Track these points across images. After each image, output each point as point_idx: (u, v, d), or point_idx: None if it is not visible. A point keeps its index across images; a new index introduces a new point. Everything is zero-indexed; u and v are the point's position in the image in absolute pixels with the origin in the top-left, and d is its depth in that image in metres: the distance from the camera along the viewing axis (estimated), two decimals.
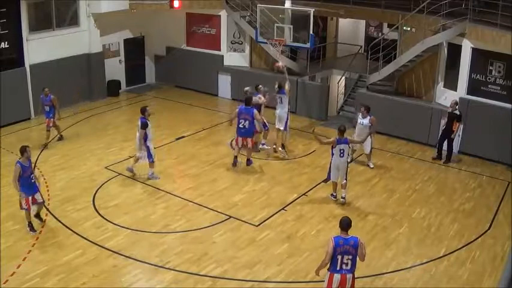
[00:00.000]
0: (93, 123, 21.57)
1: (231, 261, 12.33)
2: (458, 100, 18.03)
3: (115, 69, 25.29)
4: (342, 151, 14.55)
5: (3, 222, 13.69)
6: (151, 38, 26.56)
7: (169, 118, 22.01)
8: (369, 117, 17.16)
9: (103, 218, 14.14)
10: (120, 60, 25.68)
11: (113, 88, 25.06)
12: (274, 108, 18.65)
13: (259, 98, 18.27)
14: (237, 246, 12.99)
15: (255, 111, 16.80)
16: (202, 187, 15.93)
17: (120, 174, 16.77)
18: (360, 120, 17.36)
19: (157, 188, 15.85)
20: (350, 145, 15.25)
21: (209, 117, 22.48)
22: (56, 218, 14.07)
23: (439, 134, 18.45)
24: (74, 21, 22.97)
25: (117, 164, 17.45)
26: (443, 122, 18.38)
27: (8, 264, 11.91)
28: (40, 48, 21.49)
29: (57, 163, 17.48)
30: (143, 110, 15.95)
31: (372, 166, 17.70)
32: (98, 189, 15.74)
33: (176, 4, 23.40)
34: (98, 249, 12.68)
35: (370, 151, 17.57)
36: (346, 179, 14.97)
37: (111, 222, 13.91)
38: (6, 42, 20.49)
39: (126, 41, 25.69)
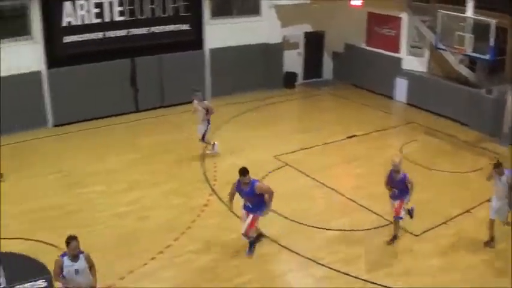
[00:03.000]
0: (266, 112, 21.95)
1: (385, 268, 11.83)
2: None
3: (292, 61, 25.48)
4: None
5: (168, 195, 14.45)
6: (331, 34, 26.37)
7: (341, 116, 21.74)
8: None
9: None
10: (298, 53, 25.81)
11: (289, 80, 25.28)
12: None
13: None
14: (392, 253, 12.42)
15: None
16: (367, 188, 15.33)
17: (287, 164, 16.80)
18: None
19: (322, 183, 15.64)
20: None
21: (382, 119, 21.81)
22: (220, 199, 14.44)
23: None
24: (255, 10, 23.51)
25: (285, 155, 17.52)
26: None
27: (166, 236, 12.42)
28: (220, 33, 22.37)
29: (226, 147, 17.95)
30: None
31: None
32: (263, 176, 15.82)
33: (355, 2, 22.97)
34: None
35: None
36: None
37: (271, 210, 13.94)
38: (188, 25, 21.61)
39: (306, 34, 25.78)
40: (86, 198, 14.81)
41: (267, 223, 13.11)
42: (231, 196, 11.80)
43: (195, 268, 11.56)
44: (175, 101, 21.67)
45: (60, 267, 9.14)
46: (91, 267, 9.46)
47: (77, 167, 16.80)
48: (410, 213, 12.86)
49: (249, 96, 23.28)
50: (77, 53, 20.24)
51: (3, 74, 18.89)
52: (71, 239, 9.09)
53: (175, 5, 21.62)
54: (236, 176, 11.45)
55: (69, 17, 19.96)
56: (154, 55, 21.56)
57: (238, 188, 11.52)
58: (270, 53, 24.13)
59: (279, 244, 12.48)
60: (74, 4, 19.89)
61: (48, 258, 11.62)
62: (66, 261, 9.13)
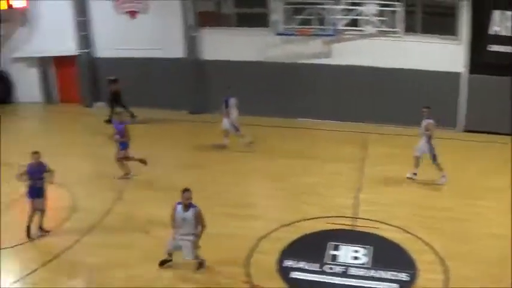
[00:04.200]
0: None
1: None
2: None
3: None
4: None
5: None
6: None
7: None
8: None
9: None
10: None
11: None
12: None
13: None
14: None
15: None
16: None
17: None
18: None
19: None
20: None
21: None
22: None
23: None
24: None
25: None
26: None
27: None
28: None
29: None
30: None
31: None
32: None
33: None
34: None
35: None
36: None
37: None
38: None
39: None
40: (474, 211, 15.01)
41: None
42: None
43: None
44: None
45: (173, 212, 11.02)
46: (199, 225, 10.98)
47: (472, 177, 17.13)
48: None
49: None
50: (498, 63, 20.30)
51: (424, 68, 20.48)
52: (185, 190, 10.81)
53: None
54: None
55: (497, 26, 20.17)
56: None
57: None
58: None
59: None
60: (503, 14, 19.96)
61: (419, 257, 12.38)
62: (179, 208, 10.93)
